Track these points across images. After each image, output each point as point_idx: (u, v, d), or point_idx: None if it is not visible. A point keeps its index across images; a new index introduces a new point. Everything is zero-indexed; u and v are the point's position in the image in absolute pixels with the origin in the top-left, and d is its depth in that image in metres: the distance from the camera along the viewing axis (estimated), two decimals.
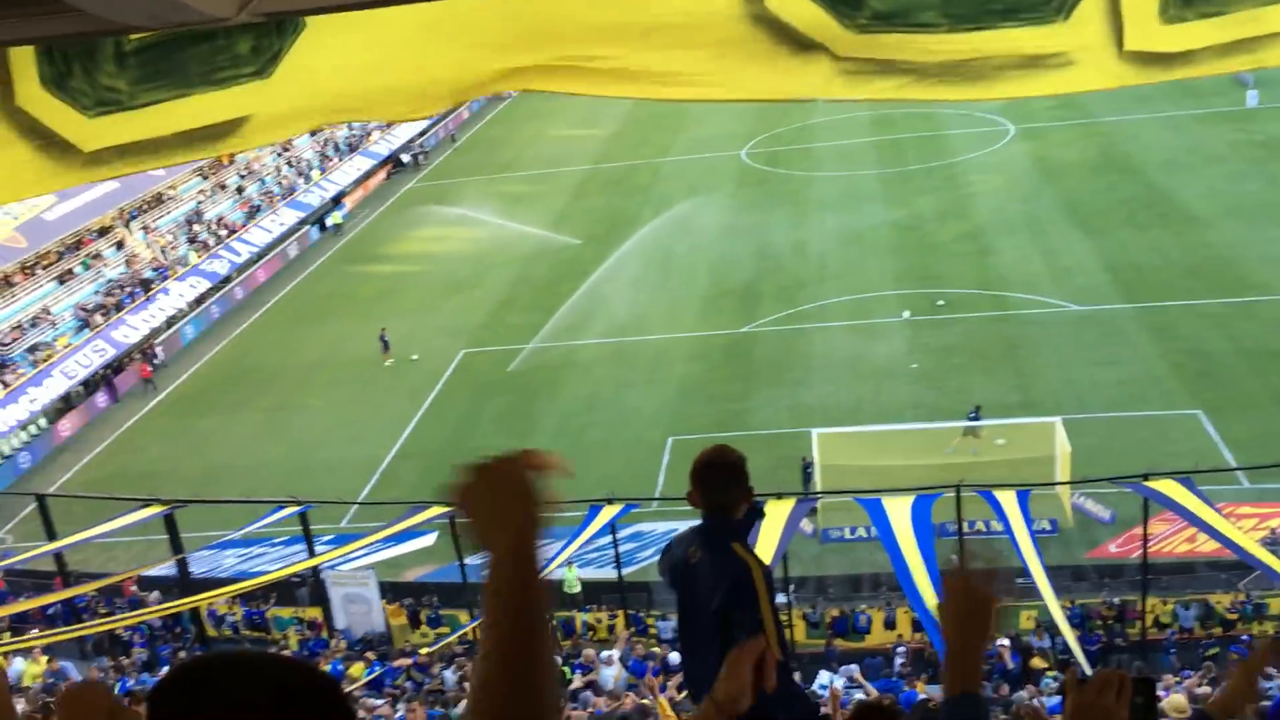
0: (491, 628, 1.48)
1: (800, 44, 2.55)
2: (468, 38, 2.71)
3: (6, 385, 33.96)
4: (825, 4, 2.48)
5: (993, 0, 2.47)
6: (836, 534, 24.21)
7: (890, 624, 21.13)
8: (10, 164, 2.76)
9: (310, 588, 23.63)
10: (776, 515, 16.64)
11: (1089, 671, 15.87)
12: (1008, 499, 16.48)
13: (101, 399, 36.63)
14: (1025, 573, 15.97)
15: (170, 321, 40.72)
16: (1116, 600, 20.54)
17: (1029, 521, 16.43)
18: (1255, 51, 2.62)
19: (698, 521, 4.30)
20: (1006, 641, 18.73)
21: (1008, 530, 16.38)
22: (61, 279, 39.98)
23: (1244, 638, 19.28)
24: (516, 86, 2.84)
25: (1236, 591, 20.69)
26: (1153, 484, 16.69)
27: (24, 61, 2.63)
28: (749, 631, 3.83)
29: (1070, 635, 17.24)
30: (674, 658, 18.97)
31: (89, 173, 2.84)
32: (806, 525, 22.89)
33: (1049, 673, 17.67)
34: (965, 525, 19.53)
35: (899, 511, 16.38)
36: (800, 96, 2.66)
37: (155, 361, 38.48)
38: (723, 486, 4.01)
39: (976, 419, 25.91)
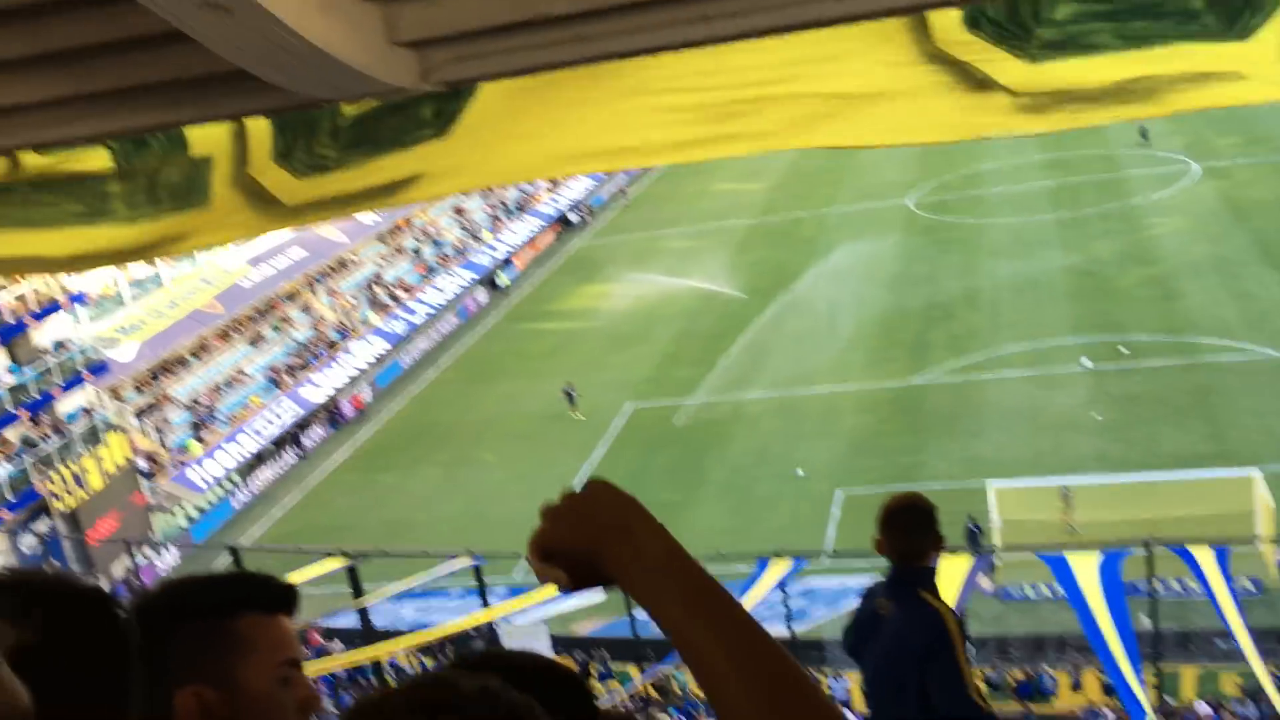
0: (692, 637, 1.22)
1: (976, 81, 2.52)
2: (638, 102, 2.76)
3: (204, 443, 36.01)
4: (994, 39, 2.45)
5: (1167, 30, 2.40)
6: (1018, 592, 23.28)
7: (1077, 687, 20.15)
8: (229, 216, 3.06)
9: (485, 640, 24.07)
10: (953, 572, 16.12)
11: None
12: (1205, 557, 15.54)
13: (290, 456, 38.44)
14: (1228, 635, 14.99)
15: (353, 381, 42.53)
16: None
17: (1229, 580, 15.44)
18: None
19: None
20: (1208, 709, 17.62)
21: (1206, 590, 15.43)
22: (254, 341, 42.32)
23: None
24: (689, 157, 2.88)
25: None
26: None
27: (260, 138, 2.91)
28: (945, 682, 3.71)
29: (1279, 701, 16.04)
30: (851, 719, 18.50)
31: (287, 221, 3.10)
32: (986, 583, 22.11)
33: None
34: (1159, 584, 18.50)
35: (1085, 569, 15.63)
36: (981, 135, 2.62)
37: (359, 408, 40.46)
38: (913, 533, 3.91)
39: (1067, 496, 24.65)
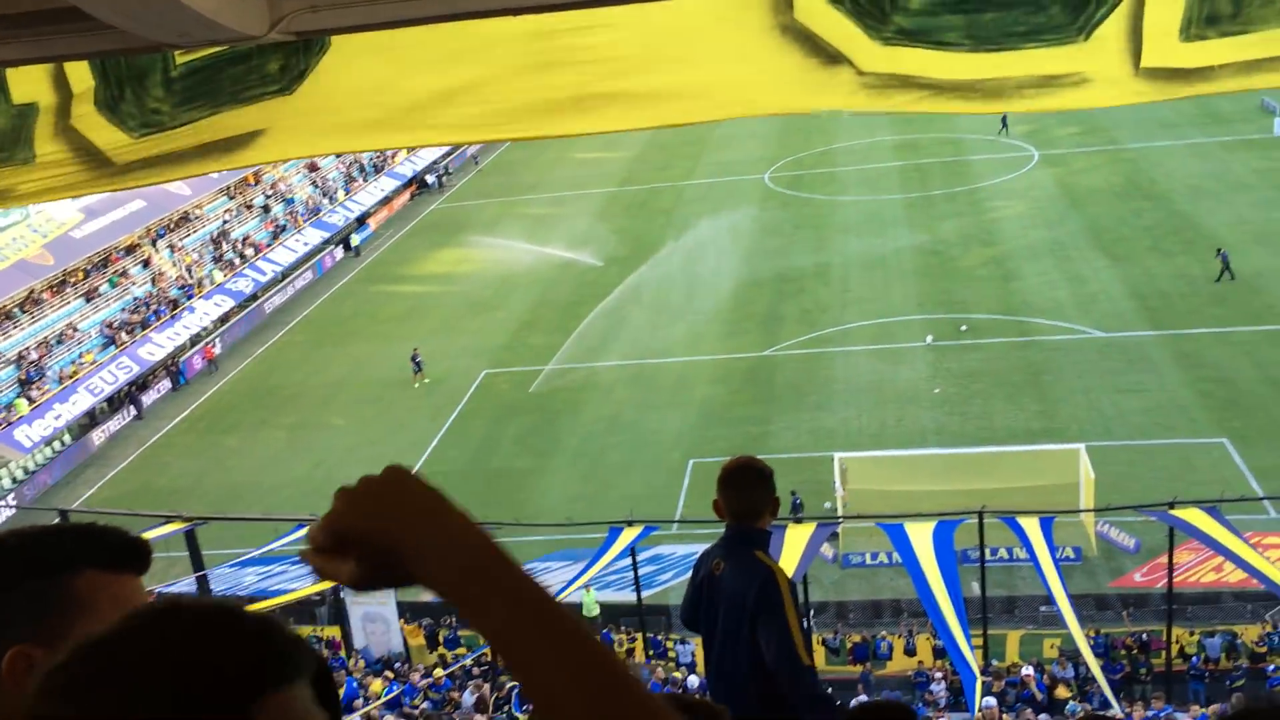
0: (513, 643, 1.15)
1: (828, 56, 2.58)
2: (490, 67, 2.72)
3: (32, 401, 34.24)
4: (852, 15, 2.51)
5: (1015, 24, 2.49)
6: (858, 559, 24.06)
7: (911, 651, 20.95)
8: (49, 170, 2.86)
9: (329, 607, 23.66)
10: (797, 539, 16.57)
11: (1113, 701, 15.71)
12: (1031, 526, 16.36)
13: (126, 416, 36.88)
14: (1050, 600, 15.80)
15: (195, 340, 41.01)
16: (1144, 635, 20.24)
17: (1053, 549, 16.32)
18: (1278, 71, 2.60)
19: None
20: (1031, 670, 18.56)
21: (1032, 557, 16.27)
22: (88, 296, 40.35)
23: (1270, 669, 19.03)
24: (544, 131, 2.84)
25: (1264, 623, 20.43)
26: (1178, 513, 16.55)
27: (82, 83, 2.72)
28: (774, 638, 3.79)
29: (1094, 664, 17.05)
30: (693, 681, 18.88)
31: (116, 182, 2.92)
32: (827, 550, 22.76)
33: (1073, 701, 17.47)
34: (988, 552, 19.38)
35: (921, 537, 16.28)
36: (825, 108, 2.69)
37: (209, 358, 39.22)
38: (749, 491, 3.97)
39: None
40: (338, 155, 50.88)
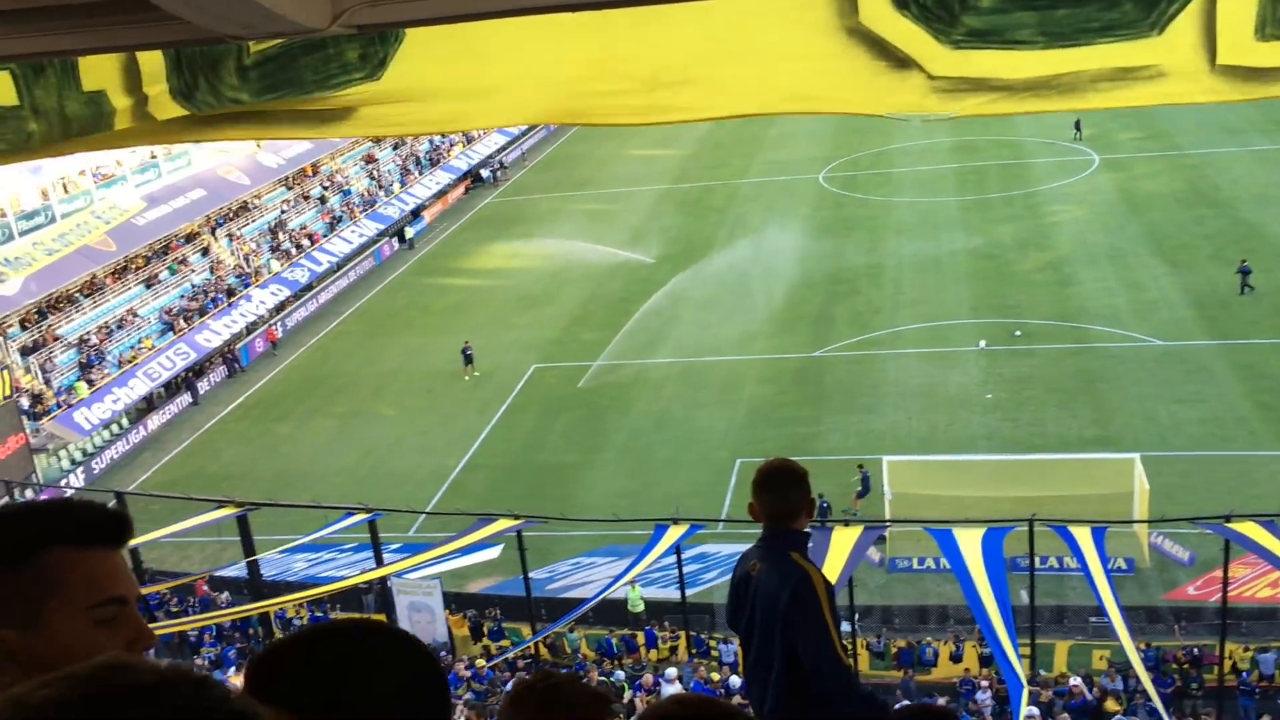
0: None
1: (896, 60, 2.55)
2: (560, 52, 2.74)
3: (92, 384, 34.92)
4: (920, 20, 2.48)
5: (1090, 20, 2.45)
6: (904, 563, 23.87)
7: (957, 658, 20.76)
8: (132, 135, 2.94)
9: (376, 595, 23.89)
10: (843, 541, 16.48)
11: (1164, 716, 15.44)
12: (1083, 535, 16.12)
13: (183, 401, 37.50)
14: (1100, 611, 15.56)
15: (250, 328, 41.59)
16: (1196, 650, 19.88)
17: (1104, 559, 16.05)
18: None
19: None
20: (1079, 681, 18.31)
21: (1083, 567, 16.02)
22: (148, 283, 41.07)
23: None
24: (612, 119, 2.86)
25: None
26: (1235, 526, 16.22)
27: (155, 73, 2.78)
28: (810, 639, 3.81)
29: (1145, 677, 16.76)
30: (735, 681, 18.84)
31: (202, 132, 2.97)
32: (874, 553, 22.59)
33: (1121, 714, 17.22)
34: (1038, 560, 19.12)
35: (970, 543, 16.10)
36: (895, 112, 2.65)
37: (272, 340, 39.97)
38: (785, 492, 3.98)
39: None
40: (423, 136, 51.57)
